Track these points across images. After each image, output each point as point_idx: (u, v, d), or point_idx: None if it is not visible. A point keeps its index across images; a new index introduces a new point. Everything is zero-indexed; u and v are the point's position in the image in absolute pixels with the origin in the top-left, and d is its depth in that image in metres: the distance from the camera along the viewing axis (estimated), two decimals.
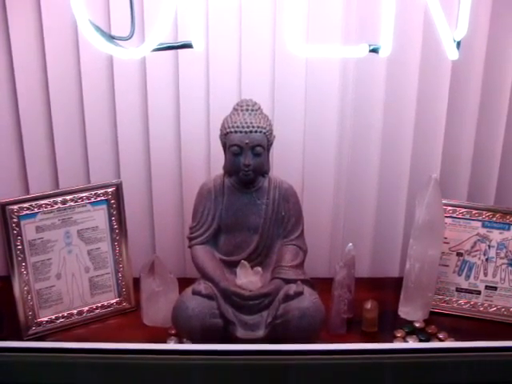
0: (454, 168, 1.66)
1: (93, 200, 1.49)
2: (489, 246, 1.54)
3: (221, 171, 1.42)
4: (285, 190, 1.42)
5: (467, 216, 1.54)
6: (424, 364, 1.10)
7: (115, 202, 1.50)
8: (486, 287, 1.55)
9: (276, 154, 1.59)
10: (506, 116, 1.62)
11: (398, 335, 1.46)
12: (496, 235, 1.53)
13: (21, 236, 1.42)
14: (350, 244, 1.50)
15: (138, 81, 1.57)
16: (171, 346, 1.37)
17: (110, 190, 1.50)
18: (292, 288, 1.34)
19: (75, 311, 1.52)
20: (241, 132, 1.34)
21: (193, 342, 1.34)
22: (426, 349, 1.15)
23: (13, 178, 1.65)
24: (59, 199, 1.45)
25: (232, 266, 1.40)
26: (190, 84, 1.56)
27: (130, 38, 1.29)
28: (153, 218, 1.69)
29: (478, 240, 1.54)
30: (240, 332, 1.33)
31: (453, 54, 1.31)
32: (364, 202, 1.67)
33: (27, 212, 1.42)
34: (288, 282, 1.36)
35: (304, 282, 1.37)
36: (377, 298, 1.50)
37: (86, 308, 1.53)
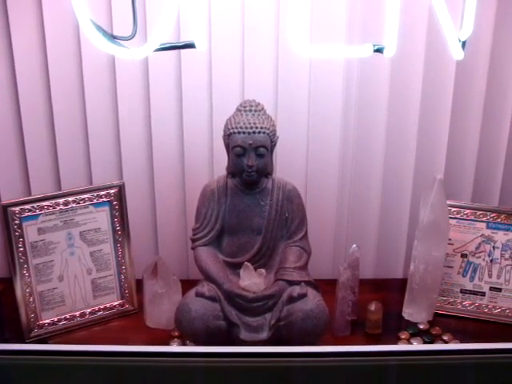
0: (458, 169, 1.65)
1: (95, 201, 1.48)
2: (493, 247, 1.53)
3: (224, 172, 1.41)
4: (288, 191, 1.41)
5: (472, 217, 1.53)
6: (428, 366, 1.10)
7: (118, 203, 1.50)
8: (491, 288, 1.55)
9: (279, 155, 1.58)
10: (510, 117, 1.62)
11: (403, 337, 1.46)
12: (501, 236, 1.53)
13: (23, 238, 1.41)
14: (354, 245, 1.49)
15: (141, 81, 1.56)
16: (174, 348, 1.37)
17: (112, 191, 1.49)
18: (296, 290, 1.33)
19: (77, 313, 1.51)
20: (244, 133, 1.33)
21: (196, 344, 1.34)
22: (431, 351, 1.14)
23: (15, 180, 1.64)
24: (61, 201, 1.45)
25: (235, 267, 1.39)
26: (193, 84, 1.55)
27: (131, 37, 1.28)
28: (155, 219, 1.68)
29: (483, 241, 1.54)
30: (243, 334, 1.33)
31: (458, 54, 1.30)
32: (368, 203, 1.66)
33: (29, 214, 1.41)
34: (292, 283, 1.36)
35: (308, 283, 1.36)
36: (381, 300, 1.50)
37: (89, 310, 1.52)
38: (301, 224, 1.42)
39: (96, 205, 1.48)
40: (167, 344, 1.41)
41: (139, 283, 1.52)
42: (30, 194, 1.62)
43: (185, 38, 1.37)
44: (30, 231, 1.42)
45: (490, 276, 1.54)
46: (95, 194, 1.48)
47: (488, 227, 1.53)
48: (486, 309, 1.55)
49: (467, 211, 1.53)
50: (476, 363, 1.08)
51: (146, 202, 1.67)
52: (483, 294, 1.55)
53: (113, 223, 1.50)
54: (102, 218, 1.49)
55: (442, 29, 1.27)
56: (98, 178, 1.61)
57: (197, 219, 1.43)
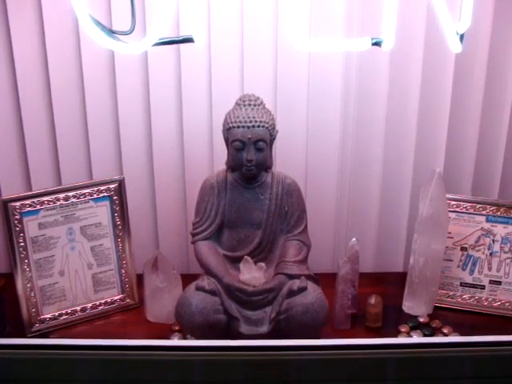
0: (457, 162, 1.65)
1: (95, 196, 1.48)
2: (493, 241, 1.53)
3: (224, 166, 1.42)
4: (288, 185, 1.41)
5: (471, 210, 1.53)
6: (428, 359, 1.10)
7: (118, 198, 1.50)
8: (491, 282, 1.55)
9: (279, 149, 1.58)
10: (509, 109, 1.62)
11: (403, 330, 1.46)
12: (500, 229, 1.53)
13: (23, 233, 1.42)
14: (354, 239, 1.49)
15: (140, 76, 1.56)
16: (175, 342, 1.37)
17: (112, 186, 1.49)
18: (296, 283, 1.33)
19: (78, 308, 1.51)
20: (243, 127, 1.33)
21: (196, 338, 1.34)
22: (431, 343, 1.14)
23: (15, 175, 1.65)
24: (61, 196, 1.45)
25: (235, 261, 1.40)
26: (192, 79, 1.55)
27: (130, 32, 1.28)
28: (156, 213, 1.68)
29: (482, 234, 1.54)
30: (243, 328, 1.33)
31: (456, 47, 1.30)
32: (368, 196, 1.67)
33: (29, 209, 1.42)
34: (292, 277, 1.36)
35: (308, 277, 1.37)
36: (381, 293, 1.50)
37: (90, 305, 1.53)
38: (300, 218, 1.43)
39: (96, 200, 1.48)
40: (168, 338, 1.41)
41: (140, 278, 1.52)
42: (30, 189, 1.62)
43: (184, 33, 1.37)
44: (31, 226, 1.43)
45: (489, 269, 1.54)
46: (95, 189, 1.48)
47: (487, 220, 1.53)
48: (486, 302, 1.55)
49: (467, 204, 1.53)
50: (476, 356, 1.08)
51: (146, 197, 1.67)
52: (483, 287, 1.55)
53: (113, 218, 1.51)
54: (102, 213, 1.50)
55: (440, 22, 1.27)
56: (98, 173, 1.61)
57: (197, 213, 1.43)
